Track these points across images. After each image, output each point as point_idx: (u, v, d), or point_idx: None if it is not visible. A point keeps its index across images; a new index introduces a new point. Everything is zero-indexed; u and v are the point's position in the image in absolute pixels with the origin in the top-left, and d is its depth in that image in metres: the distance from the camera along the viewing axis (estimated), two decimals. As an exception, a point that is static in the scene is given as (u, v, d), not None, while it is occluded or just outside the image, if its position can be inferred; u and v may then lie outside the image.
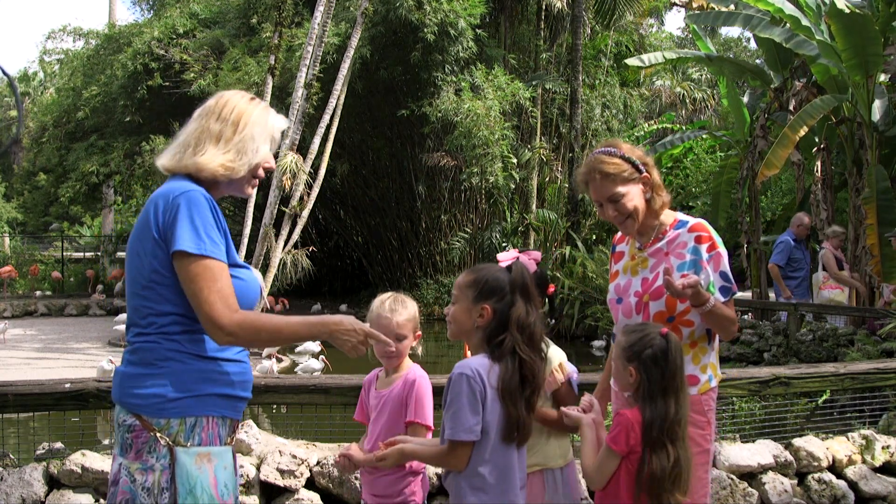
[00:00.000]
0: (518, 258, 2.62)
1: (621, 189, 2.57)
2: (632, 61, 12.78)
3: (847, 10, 8.70)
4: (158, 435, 2.00)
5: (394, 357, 2.60)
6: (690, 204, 18.55)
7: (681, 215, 2.69)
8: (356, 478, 3.56)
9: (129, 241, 2.13)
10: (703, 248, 2.56)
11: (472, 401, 2.14)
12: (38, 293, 20.96)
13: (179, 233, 2.00)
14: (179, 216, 2.01)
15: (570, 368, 2.64)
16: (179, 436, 2.01)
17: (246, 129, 2.20)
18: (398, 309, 2.61)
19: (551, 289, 2.76)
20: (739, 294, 13.04)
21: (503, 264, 2.57)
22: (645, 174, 2.59)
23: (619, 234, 2.83)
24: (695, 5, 12.45)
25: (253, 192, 2.31)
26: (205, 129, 2.19)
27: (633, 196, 2.58)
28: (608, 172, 2.57)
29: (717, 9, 11.62)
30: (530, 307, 2.25)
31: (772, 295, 9.97)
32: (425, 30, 14.53)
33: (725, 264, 2.58)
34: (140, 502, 1.99)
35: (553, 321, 2.81)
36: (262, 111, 2.26)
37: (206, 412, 2.05)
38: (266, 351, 10.38)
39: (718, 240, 2.59)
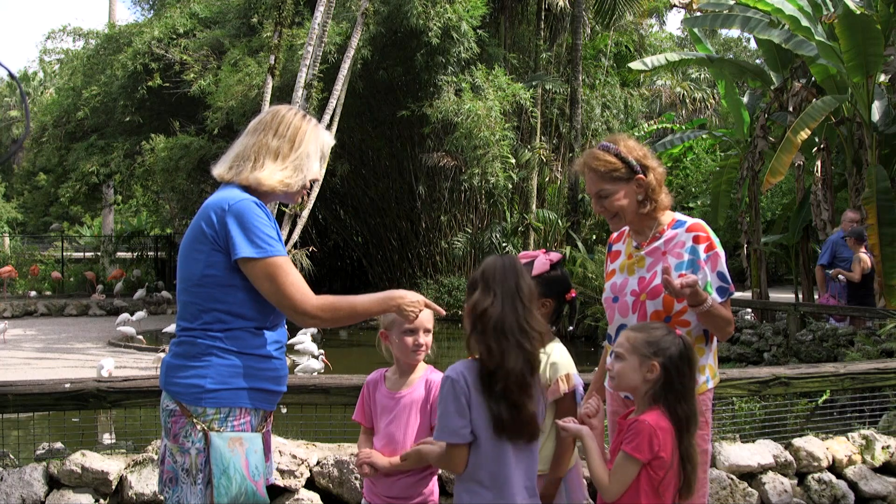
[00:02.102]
0: (537, 257, 2.61)
1: (609, 187, 2.57)
2: (635, 65, 12.78)
3: (858, 12, 8.71)
4: (195, 420, 2.18)
5: (423, 352, 2.59)
6: (690, 204, 18.57)
7: (679, 215, 2.67)
8: (356, 478, 3.56)
9: (181, 245, 2.30)
10: (701, 248, 2.55)
11: (457, 404, 2.13)
12: (32, 293, 20.83)
13: (238, 241, 2.17)
14: (236, 225, 2.18)
15: (577, 381, 2.58)
16: (214, 423, 2.18)
17: (302, 147, 2.35)
18: None
19: (572, 294, 2.68)
20: (739, 294, 13.08)
21: (523, 262, 2.57)
22: (640, 175, 2.56)
23: (616, 232, 2.82)
24: (694, 6, 12.42)
25: (299, 200, 2.48)
26: (263, 145, 2.33)
27: (622, 196, 2.56)
28: (596, 168, 2.57)
29: (715, 10, 11.61)
30: (488, 296, 2.16)
31: (816, 296, 9.63)
32: (429, 33, 14.52)
33: (723, 264, 2.57)
34: (181, 481, 2.19)
35: (570, 328, 2.77)
36: (315, 129, 2.41)
37: (238, 404, 2.21)
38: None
39: (716, 240, 2.58)
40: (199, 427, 2.17)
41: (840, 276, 8.72)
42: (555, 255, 2.67)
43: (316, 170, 2.39)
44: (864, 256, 8.67)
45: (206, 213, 2.23)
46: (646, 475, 2.20)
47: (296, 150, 2.33)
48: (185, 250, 2.28)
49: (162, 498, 2.26)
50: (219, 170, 2.35)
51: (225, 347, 2.20)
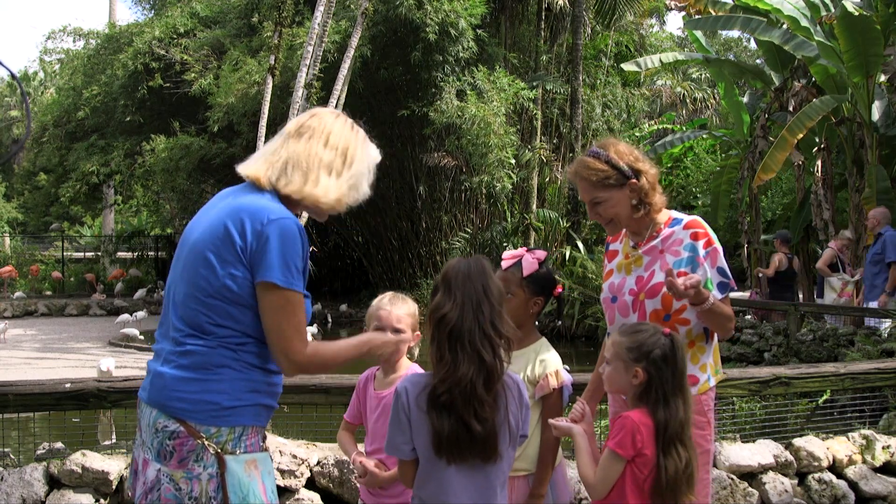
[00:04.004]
0: (523, 257, 2.61)
1: (602, 195, 2.54)
2: (628, 66, 12.81)
3: (856, 13, 8.73)
4: (207, 443, 1.95)
5: (394, 353, 2.58)
6: (691, 203, 18.57)
7: (674, 213, 2.66)
8: (357, 477, 3.56)
9: (197, 241, 2.04)
10: (700, 244, 2.54)
11: (398, 419, 2.05)
12: (18, 294, 20.58)
13: (270, 263, 1.96)
14: (273, 245, 1.97)
15: (566, 378, 2.58)
16: (228, 444, 1.97)
17: (355, 165, 2.18)
18: (397, 303, 2.60)
19: (559, 289, 2.70)
20: (739, 294, 13.11)
21: (505, 263, 2.57)
22: (633, 180, 2.53)
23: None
24: (692, 11, 12.37)
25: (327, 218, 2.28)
26: (314, 155, 2.11)
27: (615, 202, 2.54)
28: (588, 178, 2.54)
29: (714, 13, 11.60)
30: (448, 300, 2.03)
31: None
32: (427, 29, 14.51)
33: (722, 260, 2.57)
34: None
35: (558, 321, 2.81)
36: (364, 143, 2.24)
37: (251, 422, 2.03)
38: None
39: (714, 236, 2.58)
40: (211, 450, 1.94)
41: (759, 273, 9.98)
42: (540, 253, 2.67)
43: (367, 191, 2.21)
44: (780, 256, 9.95)
45: (238, 217, 1.99)
46: (630, 473, 2.19)
47: (348, 168, 2.16)
48: (199, 250, 2.02)
49: None
50: (255, 171, 2.11)
51: (239, 360, 2.00)
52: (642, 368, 2.25)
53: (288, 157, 2.10)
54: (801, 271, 12.49)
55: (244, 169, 2.14)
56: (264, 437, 2.14)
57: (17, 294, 20.58)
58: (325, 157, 2.12)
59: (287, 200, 2.09)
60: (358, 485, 2.78)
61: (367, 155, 2.24)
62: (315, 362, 2.06)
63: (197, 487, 1.93)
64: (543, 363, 2.55)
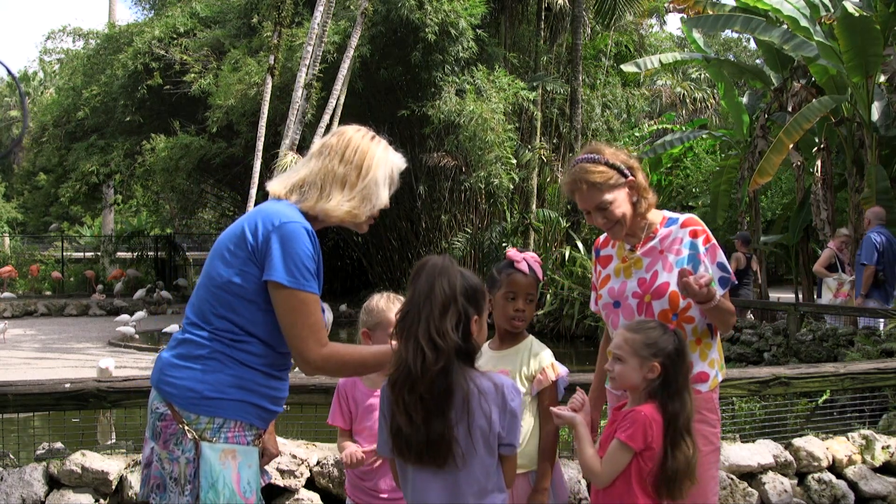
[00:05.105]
0: (527, 261, 2.62)
1: (608, 196, 2.54)
2: (627, 67, 12.79)
3: (856, 14, 8.73)
4: (186, 428, 2.05)
5: None
6: (690, 204, 18.56)
7: (668, 213, 2.67)
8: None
9: (221, 238, 2.20)
10: (699, 241, 2.57)
11: (382, 416, 2.06)
12: (6, 294, 20.45)
13: (276, 263, 2.06)
14: (279, 245, 2.07)
15: (562, 370, 2.60)
16: (206, 432, 2.07)
17: (370, 175, 2.23)
18: (394, 305, 2.60)
19: None
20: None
21: (524, 266, 2.57)
22: (630, 178, 2.56)
23: (603, 237, 2.78)
24: (691, 13, 12.34)
25: (366, 229, 2.33)
26: (329, 171, 2.22)
27: (621, 202, 2.55)
28: (594, 181, 2.53)
29: (712, 13, 11.59)
30: (406, 295, 2.05)
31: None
32: (426, 30, 14.51)
33: (721, 255, 2.59)
34: (169, 489, 2.07)
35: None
36: (384, 152, 2.28)
37: (234, 416, 2.10)
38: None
39: (710, 232, 2.61)
40: (190, 435, 2.05)
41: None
42: (536, 256, 2.68)
43: (385, 198, 2.27)
44: (739, 256, 10.72)
45: (254, 220, 2.13)
46: (636, 464, 2.26)
47: (363, 179, 2.22)
48: (219, 247, 2.17)
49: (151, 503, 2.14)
50: (277, 190, 2.24)
51: (231, 356, 2.09)
52: (659, 363, 2.30)
53: (305, 176, 2.23)
54: (802, 270, 12.53)
55: (268, 187, 2.28)
56: (258, 436, 2.16)
57: (7, 294, 20.49)
58: (338, 172, 2.21)
59: (306, 216, 2.19)
60: (348, 484, 2.77)
61: (387, 163, 2.28)
62: (332, 363, 2.13)
63: (177, 469, 2.05)
64: (538, 358, 2.57)
